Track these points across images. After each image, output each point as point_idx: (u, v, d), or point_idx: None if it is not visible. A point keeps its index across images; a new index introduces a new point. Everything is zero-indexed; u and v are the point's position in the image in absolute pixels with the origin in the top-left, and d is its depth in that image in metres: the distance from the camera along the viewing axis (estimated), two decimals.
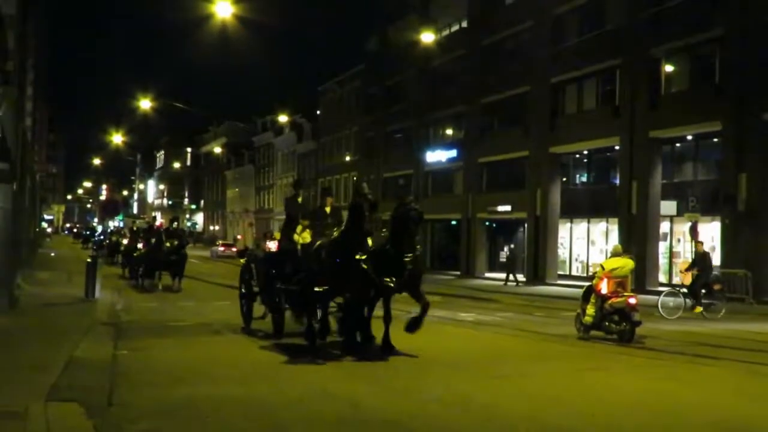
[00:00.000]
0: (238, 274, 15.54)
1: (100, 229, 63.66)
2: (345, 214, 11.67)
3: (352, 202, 11.31)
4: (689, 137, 27.47)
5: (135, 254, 26.06)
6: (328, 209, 12.73)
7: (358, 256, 10.57)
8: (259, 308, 13.84)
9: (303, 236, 12.41)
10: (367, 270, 10.62)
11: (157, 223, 32.56)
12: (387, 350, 10.86)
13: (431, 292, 27.37)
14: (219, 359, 10.46)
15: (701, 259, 19.04)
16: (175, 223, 25.42)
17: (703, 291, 18.55)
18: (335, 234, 11.40)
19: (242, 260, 15.62)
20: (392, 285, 10.86)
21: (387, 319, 11.15)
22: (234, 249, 63.36)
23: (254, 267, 14.08)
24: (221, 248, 59.66)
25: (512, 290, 28.51)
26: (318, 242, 11.57)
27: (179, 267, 22.66)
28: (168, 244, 22.33)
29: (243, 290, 14.35)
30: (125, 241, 31.39)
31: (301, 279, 11.75)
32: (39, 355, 9.40)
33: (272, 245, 13.99)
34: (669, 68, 28.00)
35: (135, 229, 31.85)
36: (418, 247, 11.65)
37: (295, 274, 12.10)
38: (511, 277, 31.29)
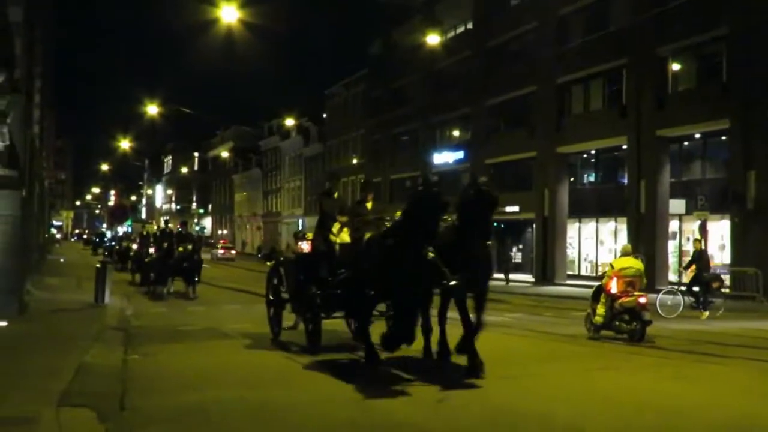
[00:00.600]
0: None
1: (109, 234, 63.49)
2: (386, 210, 11.07)
3: (418, 191, 9.71)
4: (697, 135, 27.39)
5: (146, 260, 25.20)
6: (369, 205, 11.46)
7: (424, 250, 9.12)
8: (289, 317, 13.06)
9: (341, 236, 11.39)
10: (438, 265, 9.16)
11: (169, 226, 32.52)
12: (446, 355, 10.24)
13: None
14: (229, 364, 10.47)
15: (698, 257, 18.92)
16: (180, 228, 24.33)
17: (696, 289, 18.32)
18: (388, 224, 10.22)
19: (269, 263, 14.72)
20: (460, 283, 9.36)
21: (442, 320, 10.33)
22: (233, 252, 63.39)
23: (283, 271, 12.97)
24: (221, 251, 59.12)
25: (521, 291, 28.45)
26: (367, 234, 10.40)
27: (193, 273, 21.73)
28: (180, 249, 21.52)
29: (270, 297, 13.16)
30: (135, 247, 30.74)
31: (345, 281, 10.83)
32: (50, 360, 9.43)
33: (305, 246, 12.69)
34: (675, 67, 27.94)
35: (145, 233, 30.74)
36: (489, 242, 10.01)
37: (332, 277, 11.14)
38: (502, 276, 31.39)
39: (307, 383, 9.04)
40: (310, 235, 12.84)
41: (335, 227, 11.58)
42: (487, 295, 10.20)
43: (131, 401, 7.67)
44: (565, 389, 8.79)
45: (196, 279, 21.89)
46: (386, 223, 10.57)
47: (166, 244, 22.40)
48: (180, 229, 23.68)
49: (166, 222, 28.42)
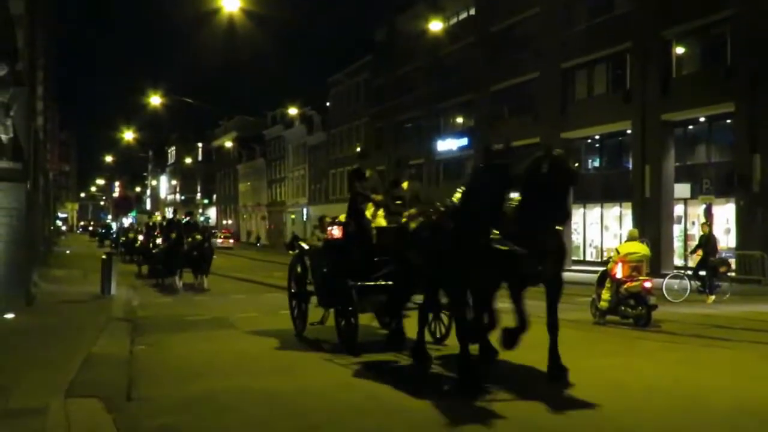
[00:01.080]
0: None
1: (115, 226, 63.26)
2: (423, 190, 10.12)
3: (483, 163, 8.41)
4: (702, 119, 27.27)
5: (154, 251, 24.38)
6: (405, 186, 10.71)
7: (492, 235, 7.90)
8: (316, 312, 11.66)
9: (377, 220, 10.46)
10: (510, 250, 7.91)
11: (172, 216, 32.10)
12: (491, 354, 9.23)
13: None
14: (236, 353, 10.49)
15: (705, 241, 18.87)
16: (187, 218, 23.92)
17: (702, 273, 18.27)
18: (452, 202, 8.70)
19: (291, 252, 12.89)
20: (534, 270, 8.36)
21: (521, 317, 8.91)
22: (231, 241, 63.29)
23: (308, 260, 11.82)
24: (219, 240, 57.59)
25: None
26: (412, 219, 9.50)
27: (203, 263, 20.90)
28: (189, 239, 20.82)
29: (293, 289, 12.24)
30: (141, 238, 29.82)
31: (391, 273, 9.83)
32: (57, 351, 9.47)
33: (335, 231, 11.13)
34: (680, 50, 27.80)
35: (151, 224, 29.59)
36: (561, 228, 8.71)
37: (369, 266, 10.08)
38: None
39: (315, 371, 9.06)
40: (343, 217, 11.20)
41: (369, 210, 10.58)
42: (562, 288, 8.91)
43: (138, 391, 7.70)
44: (572, 374, 8.78)
45: (207, 270, 21.16)
46: (437, 207, 9.25)
47: (174, 235, 21.66)
48: (188, 219, 23.10)
49: (174, 211, 26.87)
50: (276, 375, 8.81)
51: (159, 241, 23.66)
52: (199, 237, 20.84)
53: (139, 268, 27.79)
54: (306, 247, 12.19)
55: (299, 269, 12.12)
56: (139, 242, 30.12)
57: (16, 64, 14.63)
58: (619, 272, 13.35)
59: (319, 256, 11.34)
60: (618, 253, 13.67)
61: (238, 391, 7.81)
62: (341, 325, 10.41)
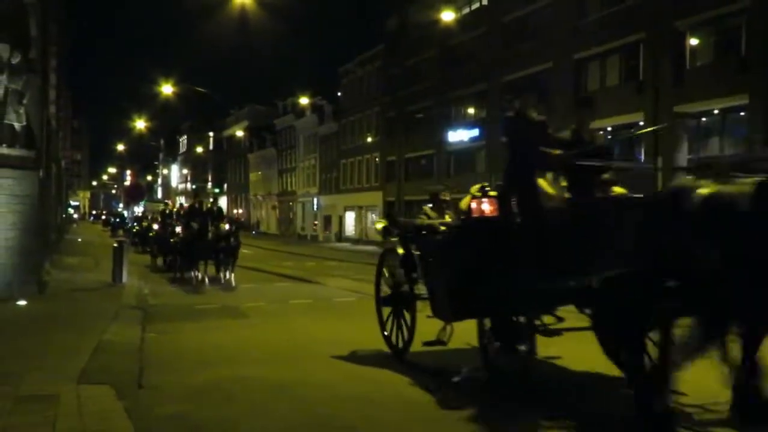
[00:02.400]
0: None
1: (128, 214, 62.76)
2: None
3: None
4: (715, 111, 27.10)
5: (172, 240, 21.92)
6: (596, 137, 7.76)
7: None
8: (429, 326, 8.48)
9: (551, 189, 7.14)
10: None
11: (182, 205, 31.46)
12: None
13: None
14: (247, 342, 10.53)
15: None
16: (212, 205, 21.46)
17: None
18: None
19: (392, 239, 9.42)
20: None
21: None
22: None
23: (418, 252, 8.67)
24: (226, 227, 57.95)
25: None
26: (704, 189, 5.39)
27: (230, 257, 18.82)
28: (212, 229, 18.75)
29: (387, 292, 9.37)
30: (156, 227, 27.48)
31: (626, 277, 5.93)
32: (69, 339, 9.52)
33: (485, 207, 7.53)
34: (694, 42, 27.62)
35: (168, 211, 27.14)
36: None
37: (544, 259, 6.66)
38: None
39: (323, 361, 9.08)
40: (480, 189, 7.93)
41: (544, 183, 7.09)
42: None
43: (149, 379, 7.74)
44: (582, 361, 8.75)
45: (233, 264, 19.11)
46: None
47: (196, 224, 19.33)
48: (212, 206, 20.91)
49: (195, 195, 24.42)
50: (285, 364, 8.84)
51: (178, 229, 21.17)
52: (225, 226, 18.86)
53: (153, 260, 26.04)
54: (421, 231, 8.93)
55: (399, 265, 9.03)
56: (153, 231, 27.98)
57: (29, 52, 14.69)
58: None
59: (444, 244, 8.16)
60: None
61: (247, 380, 7.84)
62: (493, 350, 7.40)
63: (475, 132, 41.08)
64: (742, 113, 25.80)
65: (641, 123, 29.48)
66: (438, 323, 8.37)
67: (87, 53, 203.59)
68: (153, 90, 45.01)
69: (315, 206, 67.17)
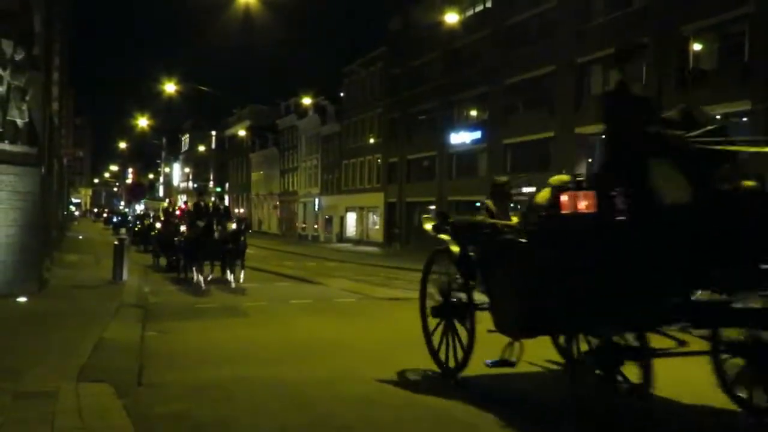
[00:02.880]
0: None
1: (130, 212, 62.15)
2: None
3: None
4: (718, 117, 27.02)
5: (175, 240, 21.14)
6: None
7: None
8: (490, 343, 7.28)
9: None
10: None
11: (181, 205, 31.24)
12: None
13: None
14: (247, 341, 10.52)
15: None
16: (218, 203, 20.32)
17: None
18: None
19: (443, 236, 8.13)
20: None
21: None
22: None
23: (479, 254, 7.62)
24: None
25: None
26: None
27: (236, 257, 18.10)
28: (218, 228, 17.84)
29: (438, 301, 8.09)
30: (158, 225, 26.56)
31: None
32: (69, 336, 9.52)
33: (582, 202, 5.93)
34: (697, 47, 27.60)
35: (171, 210, 26.28)
36: None
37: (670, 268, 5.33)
38: None
39: (324, 361, 9.07)
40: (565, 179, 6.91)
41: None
42: None
43: (149, 377, 7.73)
44: None
45: (241, 265, 18.44)
46: None
47: (202, 222, 18.34)
48: (218, 204, 19.97)
49: (200, 193, 23.59)
50: (285, 364, 8.83)
51: (182, 228, 20.32)
52: (232, 226, 18.00)
53: (155, 260, 25.26)
54: (484, 230, 7.72)
55: (453, 271, 7.86)
56: (156, 230, 27.27)
57: (33, 49, 14.71)
58: None
59: (518, 246, 6.95)
60: None
61: (248, 379, 7.83)
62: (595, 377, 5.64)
63: (478, 134, 41.09)
64: (744, 119, 25.79)
65: None
66: (501, 339, 7.20)
67: (90, 51, 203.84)
68: (156, 88, 45.08)
69: (316, 206, 67.18)
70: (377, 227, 55.89)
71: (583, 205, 5.96)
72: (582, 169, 33.33)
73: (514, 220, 7.95)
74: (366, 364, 8.86)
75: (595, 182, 6.10)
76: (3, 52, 13.59)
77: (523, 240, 6.94)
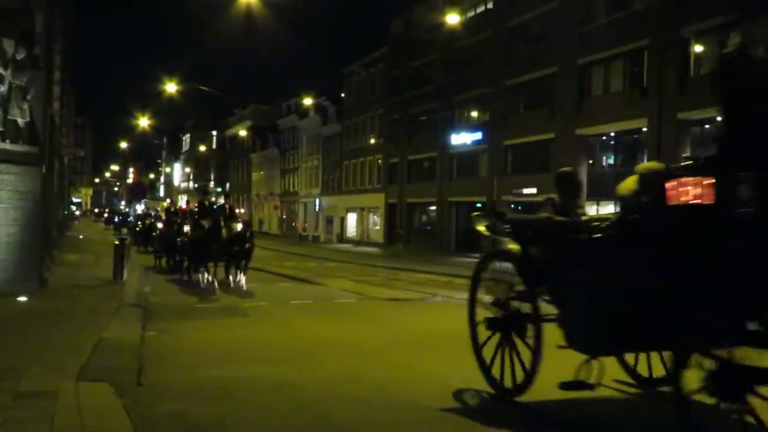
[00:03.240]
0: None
1: (131, 212, 61.36)
2: None
3: None
4: (719, 118, 27.01)
5: (178, 240, 20.64)
6: None
7: None
8: (559, 361, 6.35)
9: None
10: None
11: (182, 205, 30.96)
12: None
13: (457, 275, 27.41)
14: (247, 341, 10.53)
15: None
16: (224, 203, 19.60)
17: None
18: None
19: (500, 237, 7.32)
20: None
21: None
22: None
23: (546, 257, 6.65)
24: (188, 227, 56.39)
25: None
26: None
27: (242, 259, 17.69)
28: (224, 229, 17.23)
29: (488, 313, 7.21)
30: (160, 225, 26.03)
31: None
32: (69, 335, 9.52)
33: (692, 190, 5.00)
34: (698, 48, 27.60)
35: (173, 209, 25.73)
36: None
37: None
38: None
39: (324, 361, 9.07)
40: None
41: None
42: None
43: (148, 376, 7.74)
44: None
45: (246, 266, 17.98)
46: None
47: (206, 223, 17.87)
48: (223, 204, 19.30)
49: (203, 192, 22.33)
50: (285, 364, 8.83)
51: (186, 229, 19.80)
52: (238, 226, 17.52)
53: (157, 260, 24.61)
54: (548, 228, 6.74)
55: (513, 275, 6.95)
56: (157, 230, 26.57)
57: (34, 48, 14.72)
58: None
59: (602, 245, 5.98)
60: None
61: (248, 379, 7.83)
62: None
63: (478, 135, 41.10)
64: None
65: (644, 129, 29.47)
66: (575, 357, 6.25)
67: (92, 50, 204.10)
68: (157, 88, 45.08)
69: (317, 207, 67.18)
70: (378, 228, 55.89)
71: (696, 193, 4.99)
72: (583, 170, 33.32)
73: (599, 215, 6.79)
74: (366, 365, 8.86)
75: (713, 167, 5.07)
76: (4, 51, 13.61)
77: (610, 238, 5.91)
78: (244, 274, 17.75)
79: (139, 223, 36.99)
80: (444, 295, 18.68)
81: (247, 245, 17.50)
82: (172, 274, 21.14)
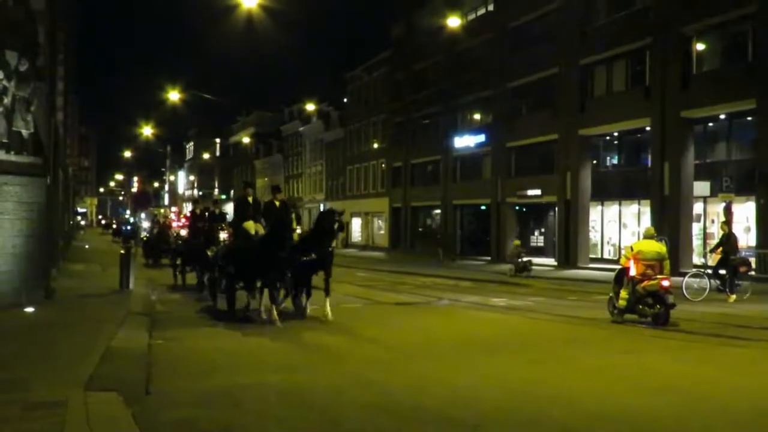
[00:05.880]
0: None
1: (137, 220, 60.32)
2: None
3: None
4: (722, 116, 27.02)
5: (209, 251, 16.06)
6: None
7: None
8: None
9: None
10: None
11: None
12: None
13: (462, 278, 27.33)
14: (254, 348, 10.53)
15: (725, 240, 18.73)
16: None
17: (722, 272, 18.16)
18: None
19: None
20: None
21: None
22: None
23: None
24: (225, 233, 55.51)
25: (543, 274, 28.31)
26: None
27: (321, 272, 13.39)
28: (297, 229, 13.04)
29: None
30: (183, 233, 21.98)
31: None
32: (77, 345, 9.54)
33: None
34: (700, 47, 27.54)
35: (198, 212, 20.28)
36: None
37: None
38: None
39: (331, 367, 9.08)
40: None
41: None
42: None
43: (157, 385, 7.74)
44: (589, 372, 8.76)
45: (327, 286, 13.37)
46: None
47: (259, 227, 13.92)
48: (285, 200, 15.16)
49: (247, 185, 15.84)
50: (292, 370, 8.83)
51: (223, 235, 16.07)
52: (297, 230, 13.10)
53: (179, 276, 20.10)
54: None
55: None
56: (174, 238, 22.90)
57: (37, 60, 14.77)
58: (632, 270, 13.25)
59: None
60: (632, 250, 13.57)
61: (255, 386, 7.84)
62: None
63: (482, 137, 41.05)
64: (748, 118, 25.71)
65: (647, 128, 29.42)
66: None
67: (94, 60, 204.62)
68: (160, 97, 45.17)
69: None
70: (382, 232, 55.84)
71: None
72: (587, 170, 33.26)
73: None
74: (373, 370, 8.86)
75: None
76: (7, 63, 13.65)
77: None
78: (328, 295, 13.21)
79: (147, 233, 35.05)
80: (450, 298, 18.68)
81: (330, 247, 13.21)
82: (205, 300, 16.23)
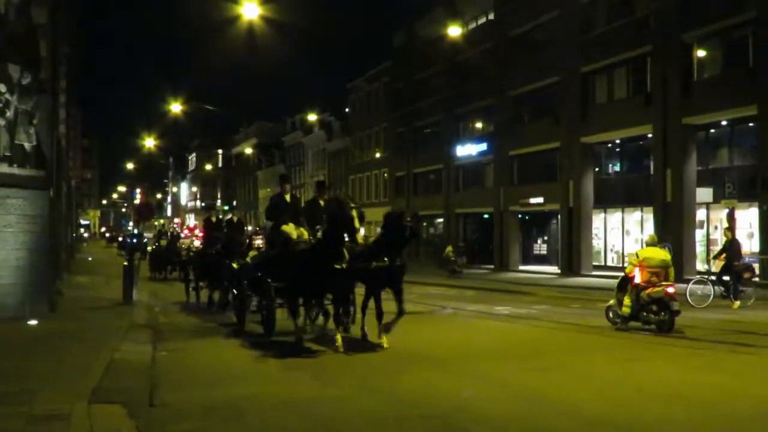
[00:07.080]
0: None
1: (140, 230, 59.75)
2: None
3: None
4: (724, 122, 27.02)
5: (235, 263, 14.41)
6: None
7: None
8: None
9: None
10: None
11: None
12: None
13: (466, 287, 27.29)
14: (256, 359, 10.51)
15: (729, 246, 18.71)
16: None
17: (726, 278, 18.13)
18: None
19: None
20: None
21: None
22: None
23: None
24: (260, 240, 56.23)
25: (547, 282, 28.26)
26: None
27: (393, 285, 11.42)
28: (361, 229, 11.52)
29: None
30: (197, 243, 20.37)
31: None
32: (80, 358, 9.53)
33: None
34: (701, 53, 27.57)
35: (214, 220, 18.84)
36: None
37: None
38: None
39: (335, 376, 9.05)
40: None
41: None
42: None
43: (161, 397, 7.73)
44: (595, 380, 8.73)
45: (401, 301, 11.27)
46: None
47: (304, 232, 11.99)
48: (343, 199, 12.68)
49: (284, 179, 13.73)
50: (295, 381, 8.81)
51: (260, 243, 14.79)
52: (362, 231, 11.76)
53: (192, 293, 18.31)
54: None
55: None
56: (186, 249, 21.63)
57: (40, 73, 14.81)
58: (637, 277, 13.23)
59: None
60: (637, 257, 13.55)
61: (259, 397, 7.82)
62: None
63: (483, 146, 41.07)
64: (750, 124, 25.70)
65: (649, 135, 29.42)
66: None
67: (97, 73, 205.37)
68: (162, 109, 45.28)
69: None
70: None
71: None
72: (589, 177, 33.24)
73: None
74: (376, 378, 8.84)
75: None
76: (10, 76, 13.69)
77: None
78: (401, 314, 11.09)
79: (154, 244, 33.84)
80: (454, 307, 18.65)
81: (398, 260, 11.15)
82: (228, 325, 14.06)
